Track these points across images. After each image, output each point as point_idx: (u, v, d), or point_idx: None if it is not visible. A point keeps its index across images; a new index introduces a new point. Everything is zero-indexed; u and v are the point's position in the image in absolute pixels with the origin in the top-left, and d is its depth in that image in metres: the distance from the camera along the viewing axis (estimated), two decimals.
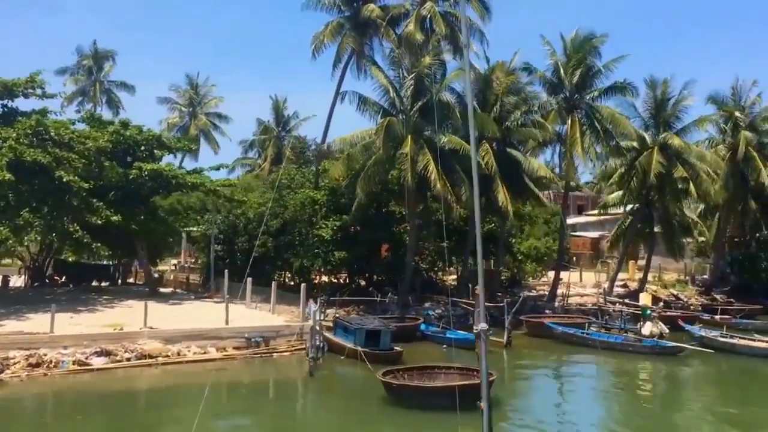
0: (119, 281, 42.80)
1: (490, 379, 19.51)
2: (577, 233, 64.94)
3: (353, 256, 35.55)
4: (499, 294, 42.30)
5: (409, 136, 32.48)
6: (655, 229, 44.04)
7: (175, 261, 46.29)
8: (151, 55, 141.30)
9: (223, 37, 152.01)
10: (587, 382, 25.31)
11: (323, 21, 41.34)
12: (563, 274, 48.65)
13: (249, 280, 32.10)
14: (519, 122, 35.23)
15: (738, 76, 47.34)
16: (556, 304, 37.35)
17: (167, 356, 23.76)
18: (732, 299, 46.82)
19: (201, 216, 40.81)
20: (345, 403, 20.85)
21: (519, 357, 28.22)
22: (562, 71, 38.38)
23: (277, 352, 25.80)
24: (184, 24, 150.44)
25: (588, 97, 38.86)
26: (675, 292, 47.30)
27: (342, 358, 25.42)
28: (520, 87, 36.10)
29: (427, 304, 36.54)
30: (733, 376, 26.81)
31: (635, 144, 41.14)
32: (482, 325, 7.69)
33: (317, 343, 24.80)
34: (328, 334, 27.13)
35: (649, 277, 51.34)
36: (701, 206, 47.58)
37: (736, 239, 49.67)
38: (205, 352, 25.10)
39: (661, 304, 37.08)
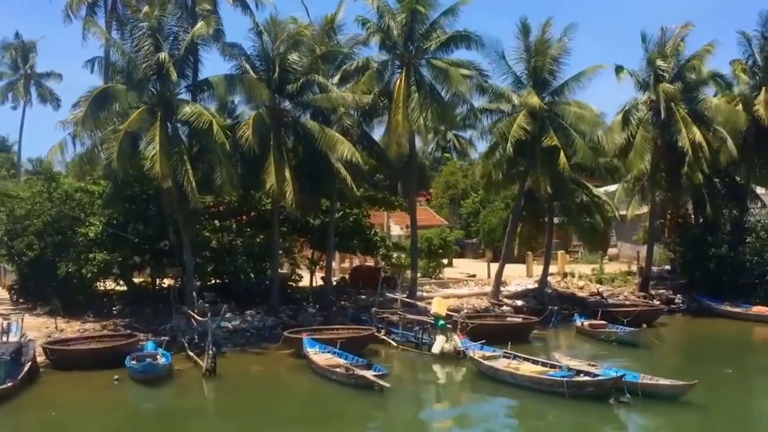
0: None
1: None
2: None
3: (123, 257, 29.45)
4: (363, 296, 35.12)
5: (142, 108, 26.07)
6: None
7: None
8: None
9: None
10: None
11: None
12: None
13: None
14: (300, 85, 28.01)
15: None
16: (373, 309, 29.54)
17: None
18: (679, 295, 37.80)
19: None
20: None
21: (219, 391, 21.33)
22: (387, 19, 30.63)
23: None
24: None
25: (428, 52, 31.01)
26: (600, 288, 38.35)
27: None
28: (303, 41, 28.39)
29: (228, 314, 30.13)
30: None
31: (502, 107, 32.94)
32: None
33: None
34: None
35: (588, 270, 42.69)
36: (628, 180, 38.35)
37: (680, 221, 39.91)
38: None
39: (465, 311, 28.69)
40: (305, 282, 35.02)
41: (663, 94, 33.66)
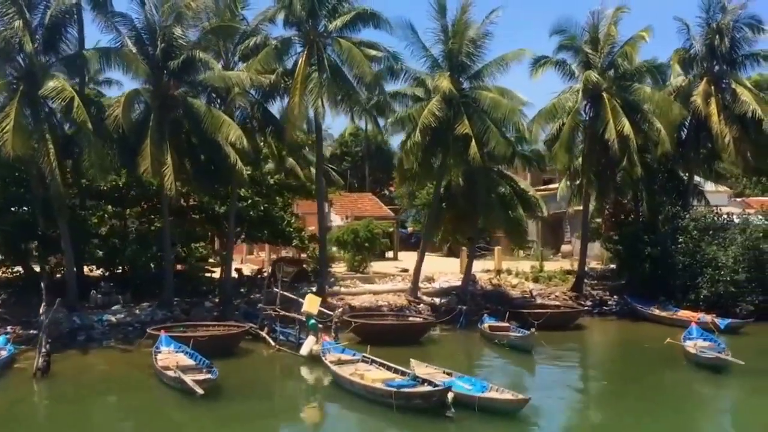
0: None
1: None
2: None
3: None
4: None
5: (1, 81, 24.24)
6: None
7: None
8: None
9: None
10: None
11: None
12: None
13: None
14: (183, 61, 26.00)
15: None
16: (261, 304, 27.43)
17: None
18: (615, 297, 35.61)
19: None
20: None
21: (40, 394, 19.43)
22: None
23: None
24: None
25: (335, 30, 28.96)
26: (531, 287, 36.26)
27: None
28: (187, 13, 26.26)
29: (115, 307, 28.35)
30: None
31: (417, 92, 30.85)
32: None
33: None
34: None
35: (527, 267, 40.55)
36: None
37: (621, 218, 37.68)
38: None
39: (339, 310, 26.61)
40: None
41: (583, 84, 31.53)
